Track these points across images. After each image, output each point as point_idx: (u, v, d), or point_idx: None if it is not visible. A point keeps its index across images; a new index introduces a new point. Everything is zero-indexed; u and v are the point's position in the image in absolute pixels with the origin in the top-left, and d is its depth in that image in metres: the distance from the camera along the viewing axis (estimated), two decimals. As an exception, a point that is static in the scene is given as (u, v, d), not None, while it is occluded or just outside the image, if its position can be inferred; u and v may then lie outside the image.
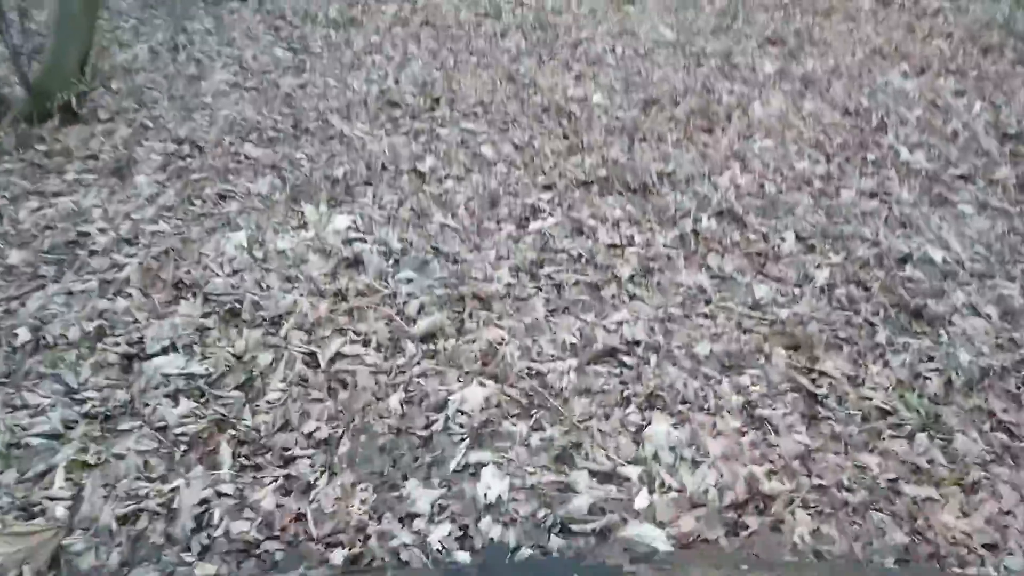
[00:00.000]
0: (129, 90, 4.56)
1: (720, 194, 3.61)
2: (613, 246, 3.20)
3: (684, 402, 2.40)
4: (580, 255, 3.10)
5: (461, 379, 2.45)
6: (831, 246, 3.26)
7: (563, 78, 5.04)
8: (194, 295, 2.75)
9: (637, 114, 4.47)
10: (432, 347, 2.59)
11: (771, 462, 2.21)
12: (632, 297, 2.86)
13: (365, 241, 3.10)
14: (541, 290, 2.86)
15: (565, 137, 4.14)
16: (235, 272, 2.88)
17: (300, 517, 1.99)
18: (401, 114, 4.35)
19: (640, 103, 4.62)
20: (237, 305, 2.69)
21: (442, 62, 5.24)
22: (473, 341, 2.60)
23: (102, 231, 3.17)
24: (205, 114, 4.26)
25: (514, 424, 2.29)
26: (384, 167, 3.72)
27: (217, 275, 2.86)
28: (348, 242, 3.10)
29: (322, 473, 2.13)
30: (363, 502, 2.03)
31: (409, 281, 2.85)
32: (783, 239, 3.26)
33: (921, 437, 2.30)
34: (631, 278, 2.96)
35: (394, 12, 6.35)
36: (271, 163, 3.73)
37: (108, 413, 2.29)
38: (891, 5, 6.97)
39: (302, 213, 3.30)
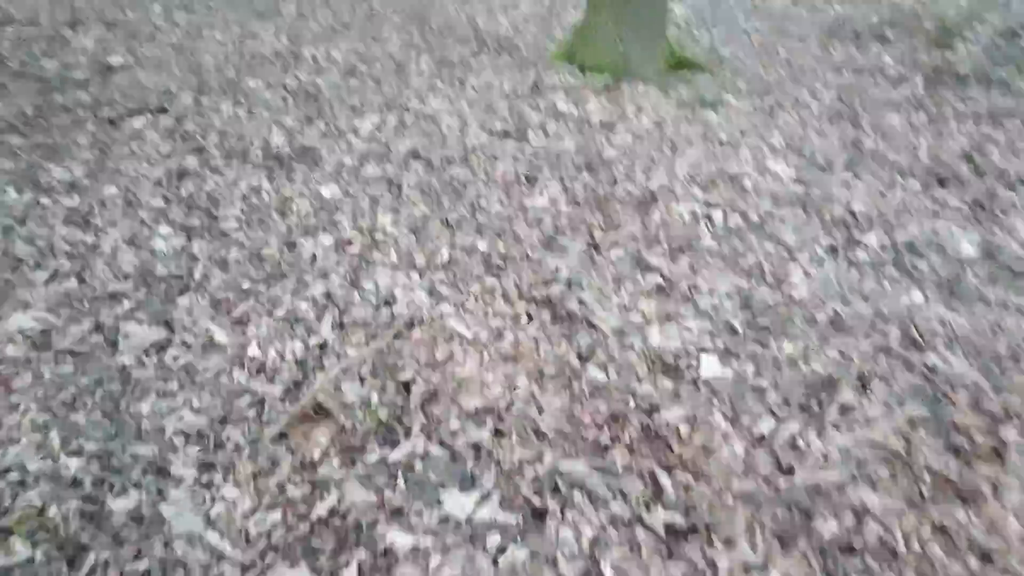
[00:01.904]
0: None
1: None
2: None
3: None
4: None
5: None
6: None
7: (636, 295, 2.60)
8: None
9: (802, 430, 2.02)
10: None
11: None
12: None
13: None
14: None
15: (684, 538, 1.71)
16: None
17: None
18: (325, 447, 1.94)
19: (799, 395, 2.16)
20: None
21: (430, 257, 2.82)
22: None
23: None
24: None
25: None
26: None
27: None
28: None
29: None
30: None
31: None
32: None
33: None
34: None
35: (371, 130, 3.93)
36: None
37: None
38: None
39: None
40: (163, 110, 4.08)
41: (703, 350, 2.31)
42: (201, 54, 5.10)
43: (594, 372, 2.21)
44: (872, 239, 3.01)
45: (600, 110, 4.21)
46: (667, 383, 2.17)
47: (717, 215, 3.12)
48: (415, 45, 5.58)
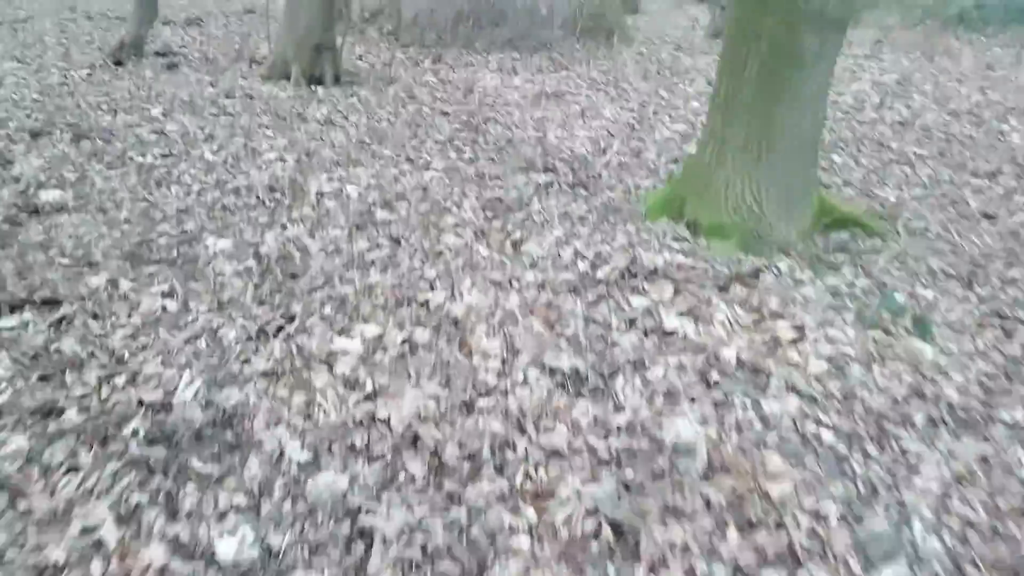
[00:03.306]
0: None
1: None
2: None
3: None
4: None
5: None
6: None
7: None
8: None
9: None
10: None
11: None
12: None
13: None
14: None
15: None
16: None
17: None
18: None
19: None
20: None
21: None
22: None
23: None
24: None
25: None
26: None
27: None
28: None
29: None
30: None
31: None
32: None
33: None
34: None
35: (356, 361, 2.22)
36: None
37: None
38: None
39: None
40: (53, 302, 2.48)
41: None
42: (170, 185, 3.55)
43: None
44: None
45: (733, 330, 2.39)
46: None
47: None
48: (460, 172, 3.92)
